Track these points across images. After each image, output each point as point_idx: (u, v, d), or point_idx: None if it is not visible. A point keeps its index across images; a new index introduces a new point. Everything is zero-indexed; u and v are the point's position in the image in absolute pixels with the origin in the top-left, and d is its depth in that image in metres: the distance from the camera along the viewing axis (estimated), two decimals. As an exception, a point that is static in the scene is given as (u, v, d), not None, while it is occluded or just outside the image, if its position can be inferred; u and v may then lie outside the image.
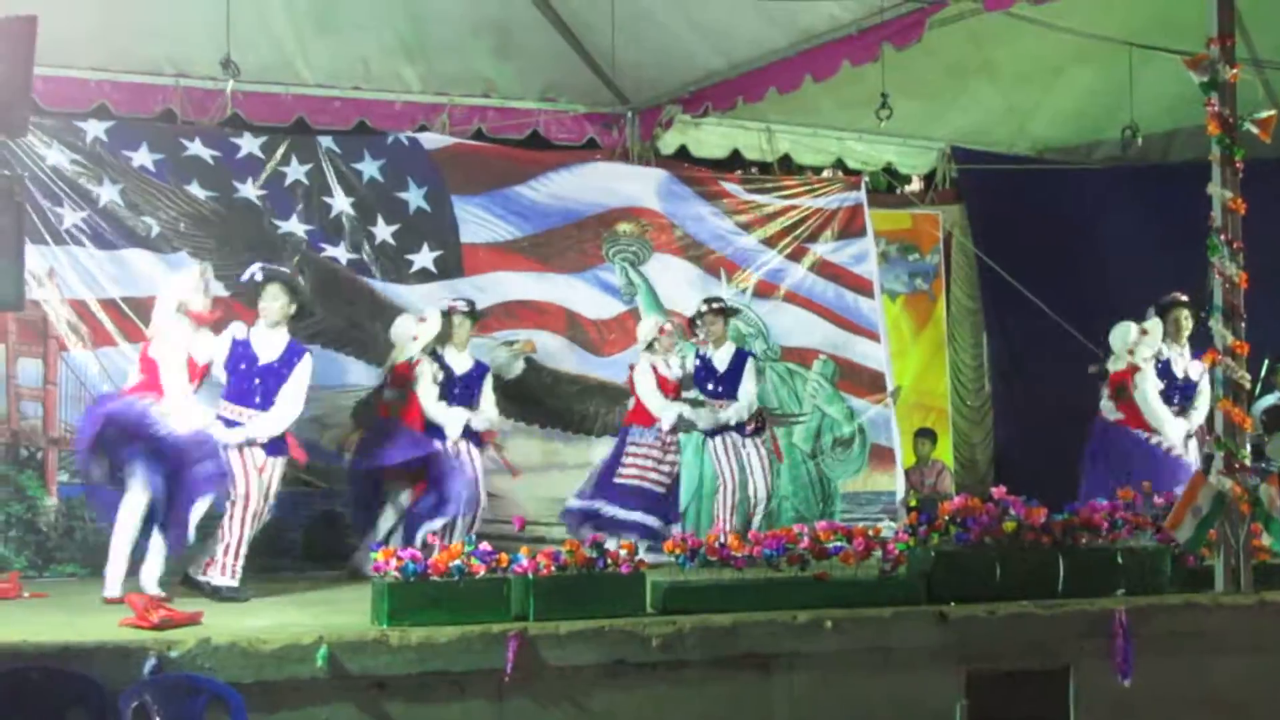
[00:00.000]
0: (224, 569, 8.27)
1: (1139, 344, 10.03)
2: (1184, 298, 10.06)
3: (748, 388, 10.31)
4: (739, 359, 10.39)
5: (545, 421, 11.05)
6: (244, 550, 8.31)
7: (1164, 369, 10.07)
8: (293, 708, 6.21)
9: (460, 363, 9.90)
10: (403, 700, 6.36)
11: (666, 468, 10.21)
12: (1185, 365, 10.02)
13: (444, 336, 9.84)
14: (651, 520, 10.01)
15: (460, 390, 9.82)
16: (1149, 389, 9.95)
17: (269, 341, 8.44)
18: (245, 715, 5.90)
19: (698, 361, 10.40)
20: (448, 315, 9.87)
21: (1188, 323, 10.06)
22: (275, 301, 8.44)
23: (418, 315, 9.80)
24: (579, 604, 6.84)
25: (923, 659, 7.22)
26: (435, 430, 9.61)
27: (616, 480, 10.10)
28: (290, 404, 8.43)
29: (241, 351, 8.38)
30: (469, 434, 9.78)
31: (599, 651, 6.67)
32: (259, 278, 8.51)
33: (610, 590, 6.98)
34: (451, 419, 9.61)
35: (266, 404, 8.36)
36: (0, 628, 6.56)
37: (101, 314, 9.78)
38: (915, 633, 7.23)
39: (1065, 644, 7.48)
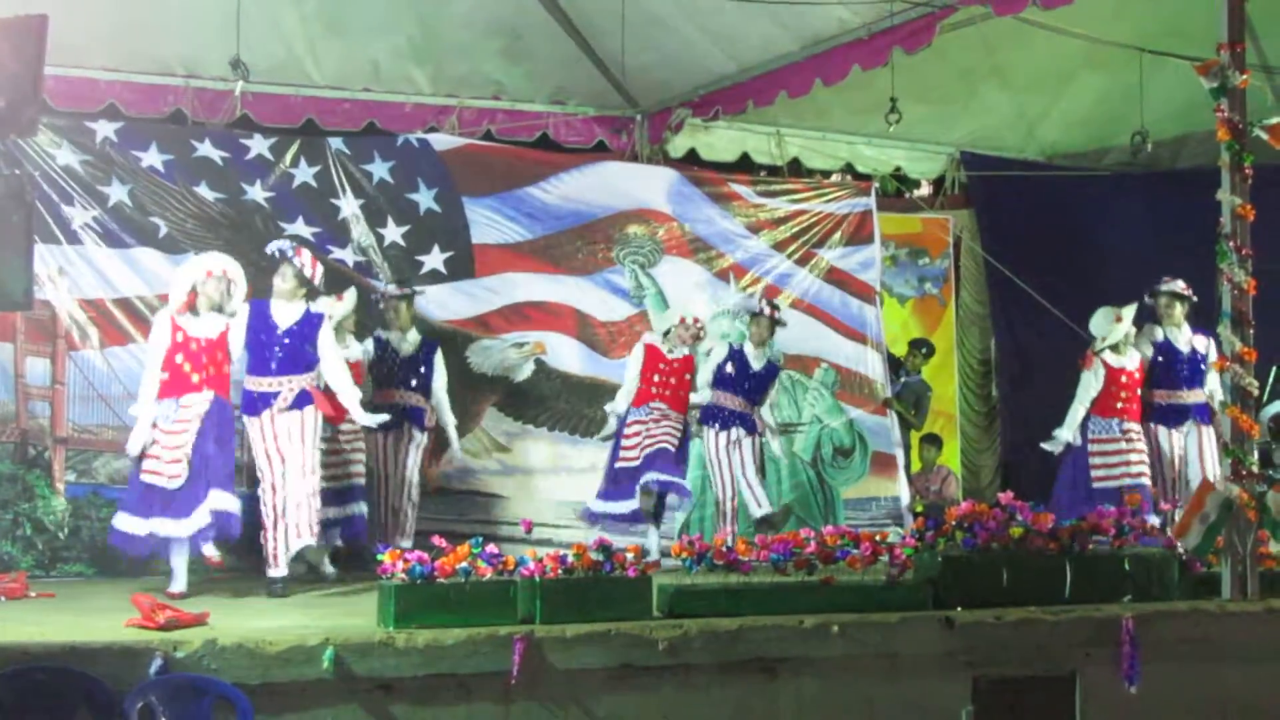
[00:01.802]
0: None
1: (1110, 331, 10.15)
2: (1176, 288, 10.18)
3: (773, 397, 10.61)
4: (771, 368, 10.40)
5: (554, 424, 11.03)
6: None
7: (1165, 348, 10.32)
8: (299, 709, 6.21)
9: (405, 346, 9.87)
10: (409, 702, 6.35)
11: (668, 426, 10.04)
12: (1189, 339, 10.20)
13: (388, 322, 9.91)
14: (672, 476, 9.81)
15: (409, 375, 9.79)
16: (1082, 387, 10.30)
17: (285, 312, 8.57)
18: (251, 717, 5.91)
19: (732, 357, 10.30)
20: (380, 301, 9.98)
21: (1178, 308, 10.24)
22: (286, 282, 8.58)
23: (336, 294, 9.52)
24: (585, 607, 6.83)
25: (929, 665, 7.21)
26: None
27: (618, 465, 9.97)
28: (336, 366, 8.67)
29: (260, 323, 8.50)
30: (398, 422, 9.59)
31: (605, 655, 6.67)
32: (284, 250, 8.66)
33: (617, 593, 6.97)
34: None
35: (285, 368, 8.46)
36: (7, 627, 6.58)
37: (111, 313, 9.79)
38: (922, 638, 7.21)
39: (1072, 650, 7.46)
